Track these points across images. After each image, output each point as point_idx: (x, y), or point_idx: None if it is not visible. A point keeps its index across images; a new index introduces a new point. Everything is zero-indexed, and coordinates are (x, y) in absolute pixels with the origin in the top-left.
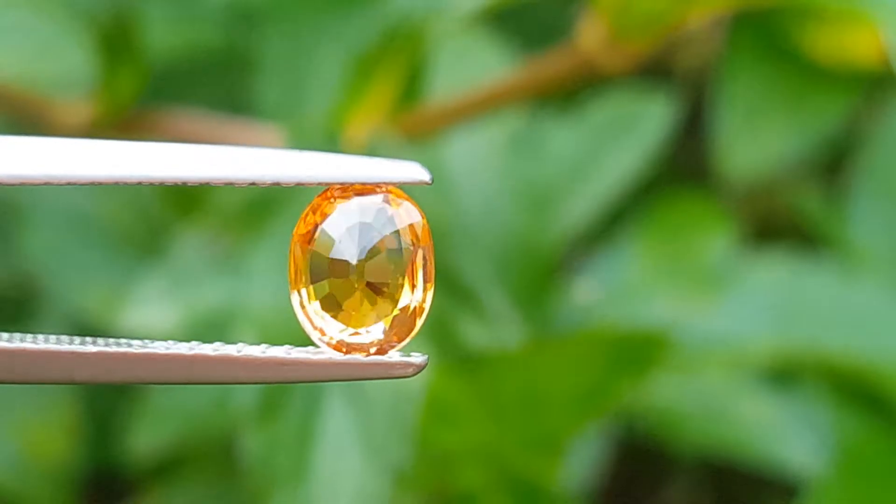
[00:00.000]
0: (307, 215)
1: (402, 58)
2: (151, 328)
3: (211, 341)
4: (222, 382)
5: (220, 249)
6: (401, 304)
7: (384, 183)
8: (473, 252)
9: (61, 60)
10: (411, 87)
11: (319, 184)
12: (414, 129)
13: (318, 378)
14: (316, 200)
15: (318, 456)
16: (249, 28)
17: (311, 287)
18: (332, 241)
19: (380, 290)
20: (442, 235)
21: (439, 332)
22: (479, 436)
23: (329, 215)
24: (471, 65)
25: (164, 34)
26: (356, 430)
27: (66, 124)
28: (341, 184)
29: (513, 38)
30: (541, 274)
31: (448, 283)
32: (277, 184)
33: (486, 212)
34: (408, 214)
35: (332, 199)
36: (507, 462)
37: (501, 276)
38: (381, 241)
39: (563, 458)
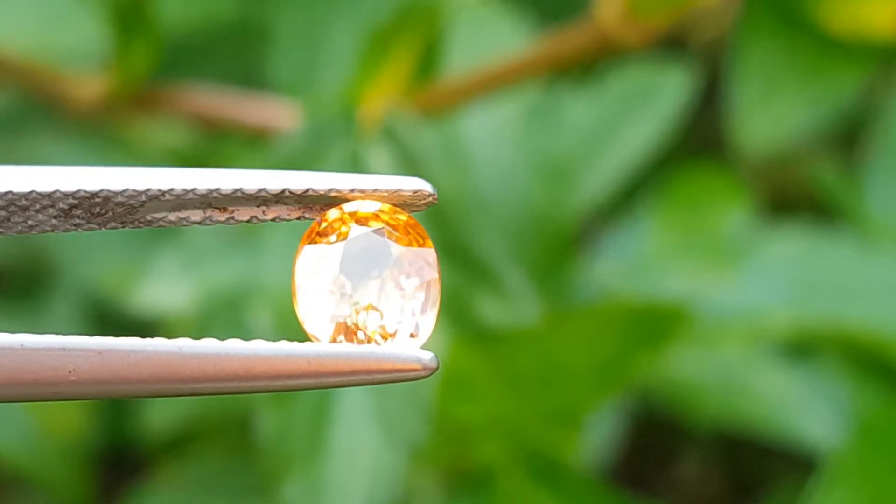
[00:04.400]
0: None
1: (418, 32)
2: (165, 305)
3: (224, 319)
4: (236, 385)
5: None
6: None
7: (389, 194)
8: (490, 226)
9: (74, 34)
10: (428, 62)
11: (321, 192)
12: (430, 104)
13: (327, 379)
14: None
15: (334, 432)
16: (263, 0)
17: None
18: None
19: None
20: (459, 210)
21: (456, 307)
22: (496, 409)
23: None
24: (487, 39)
25: (178, 7)
26: (372, 407)
27: (80, 99)
28: (341, 192)
29: (529, 12)
30: (558, 247)
31: (465, 258)
32: (286, 191)
33: (503, 185)
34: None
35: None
36: (525, 436)
37: (518, 249)
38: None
39: (580, 431)
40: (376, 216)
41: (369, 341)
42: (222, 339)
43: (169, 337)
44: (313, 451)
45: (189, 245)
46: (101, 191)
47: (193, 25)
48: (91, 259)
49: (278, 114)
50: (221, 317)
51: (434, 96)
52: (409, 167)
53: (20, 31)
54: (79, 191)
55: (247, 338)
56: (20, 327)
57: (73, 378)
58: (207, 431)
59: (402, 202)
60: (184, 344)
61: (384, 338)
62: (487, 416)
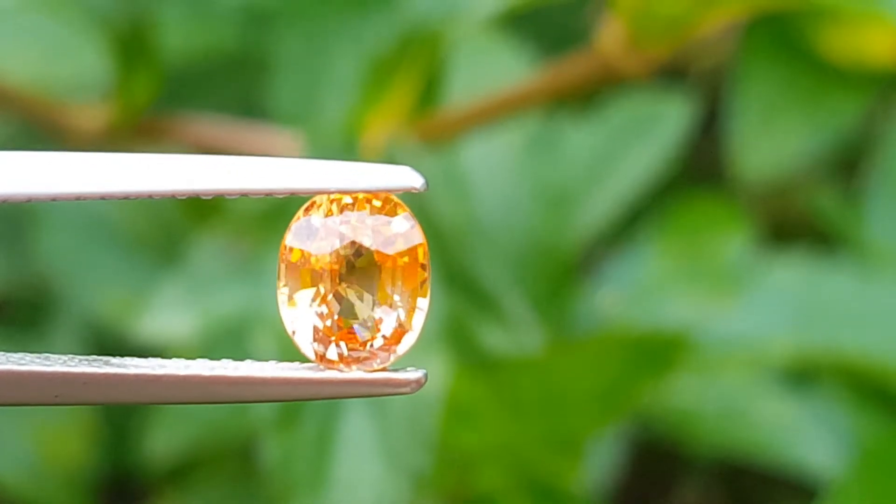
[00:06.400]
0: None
1: (419, 61)
2: (168, 334)
3: (227, 348)
4: (224, 402)
5: (237, 255)
6: (363, 317)
7: (373, 192)
8: (492, 255)
9: (76, 64)
10: (429, 91)
11: (309, 193)
12: (432, 133)
13: (315, 397)
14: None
15: (338, 461)
16: (265, 29)
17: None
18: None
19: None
20: (460, 239)
21: (458, 336)
22: (498, 437)
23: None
24: (489, 68)
25: (178, 36)
26: (375, 435)
27: (81, 129)
28: (329, 192)
29: (530, 42)
30: (559, 275)
31: (466, 286)
32: (270, 194)
33: (505, 214)
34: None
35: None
36: (527, 463)
37: (520, 277)
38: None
39: (581, 459)
40: (361, 204)
41: (357, 340)
42: None
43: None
44: (316, 478)
45: (192, 274)
46: (103, 195)
47: (195, 55)
48: (93, 288)
49: (280, 143)
50: (224, 345)
51: (436, 125)
52: (411, 196)
53: (22, 61)
54: (80, 195)
55: None
56: None
57: (59, 399)
58: (210, 459)
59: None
60: (170, 369)
61: (370, 337)
62: (489, 444)
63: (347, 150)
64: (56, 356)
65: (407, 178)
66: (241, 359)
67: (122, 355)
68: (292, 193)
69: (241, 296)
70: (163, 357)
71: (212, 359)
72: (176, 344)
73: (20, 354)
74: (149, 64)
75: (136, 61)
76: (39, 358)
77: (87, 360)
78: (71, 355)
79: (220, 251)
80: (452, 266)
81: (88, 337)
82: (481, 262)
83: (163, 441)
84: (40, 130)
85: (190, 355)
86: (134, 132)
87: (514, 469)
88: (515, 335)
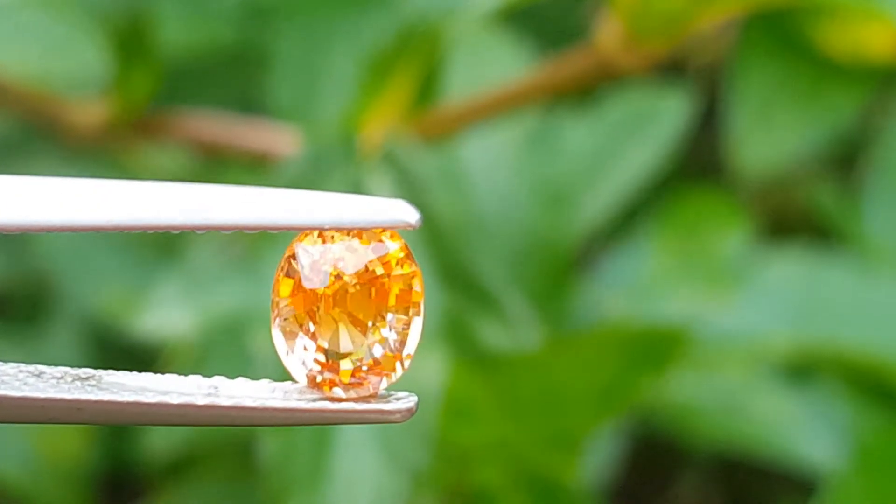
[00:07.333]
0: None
1: (418, 57)
2: (166, 330)
3: (226, 344)
4: (217, 426)
5: (235, 252)
6: (357, 343)
7: (367, 228)
8: (490, 251)
9: (75, 60)
10: (428, 87)
11: (303, 228)
12: (431, 130)
13: (307, 423)
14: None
15: (336, 457)
16: (263, 25)
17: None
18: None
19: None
20: (459, 235)
21: (457, 332)
22: (497, 433)
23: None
24: (488, 64)
25: (177, 32)
26: (373, 432)
27: (80, 125)
28: (323, 228)
29: (528, 38)
30: (558, 271)
31: (465, 283)
32: (265, 228)
33: (503, 210)
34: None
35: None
36: (525, 459)
37: (518, 273)
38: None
39: (580, 455)
40: (356, 232)
41: (350, 365)
42: (222, 365)
43: (168, 363)
44: (314, 475)
45: (190, 270)
46: (99, 226)
47: (193, 51)
48: (92, 284)
49: (278, 139)
50: (222, 342)
51: (434, 121)
52: (410, 193)
53: (21, 57)
54: (74, 227)
55: (247, 364)
56: (21, 353)
57: (52, 420)
58: (208, 455)
59: None
60: (163, 397)
61: (363, 363)
62: (488, 440)
63: (345, 145)
64: (49, 371)
65: (402, 213)
66: (239, 358)
67: (120, 352)
68: (287, 229)
69: (239, 292)
70: (160, 355)
71: (208, 362)
72: (174, 340)
73: (14, 368)
74: (147, 60)
75: (134, 57)
76: (33, 376)
77: (80, 378)
78: (65, 369)
79: (219, 248)
80: (451, 262)
81: (87, 333)
82: (480, 259)
83: (161, 437)
84: (39, 126)
85: (187, 353)
86: (132, 128)
87: (513, 465)
88: (514, 331)
